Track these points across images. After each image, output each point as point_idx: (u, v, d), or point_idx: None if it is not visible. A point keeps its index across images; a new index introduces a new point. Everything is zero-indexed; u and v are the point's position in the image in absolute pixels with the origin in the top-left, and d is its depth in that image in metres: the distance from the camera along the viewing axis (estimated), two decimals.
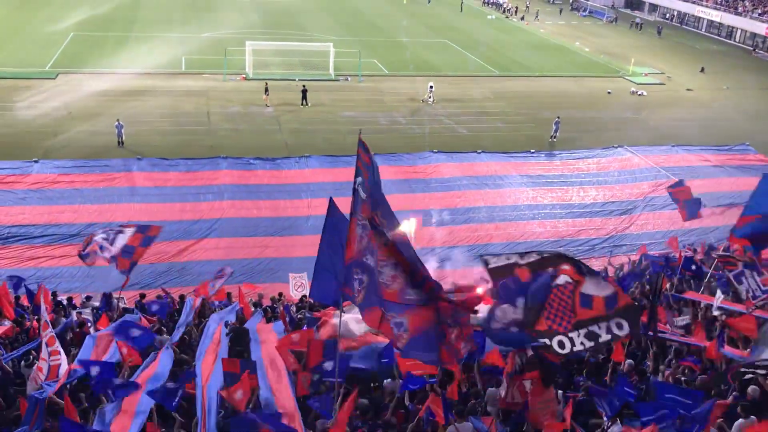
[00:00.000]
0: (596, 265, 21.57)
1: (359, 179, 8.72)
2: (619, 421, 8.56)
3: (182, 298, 15.35)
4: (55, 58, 42.37)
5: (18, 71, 38.81)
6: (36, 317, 13.25)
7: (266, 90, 36.41)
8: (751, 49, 62.28)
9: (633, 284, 16.37)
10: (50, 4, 58.52)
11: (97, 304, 16.17)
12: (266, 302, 16.27)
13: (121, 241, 15.10)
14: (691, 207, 19.65)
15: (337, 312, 12.42)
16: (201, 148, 30.15)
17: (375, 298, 8.57)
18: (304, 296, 17.15)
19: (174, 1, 64.24)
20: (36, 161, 26.98)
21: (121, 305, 15.95)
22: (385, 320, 8.51)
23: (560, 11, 74.27)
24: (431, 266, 18.86)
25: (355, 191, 8.68)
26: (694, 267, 16.38)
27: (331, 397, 9.32)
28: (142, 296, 16.49)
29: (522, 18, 69.59)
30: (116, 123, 30.15)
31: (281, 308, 14.74)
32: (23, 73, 38.70)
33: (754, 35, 63.78)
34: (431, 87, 39.05)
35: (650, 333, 11.04)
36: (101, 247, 14.89)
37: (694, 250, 20.33)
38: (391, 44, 52.72)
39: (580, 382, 10.24)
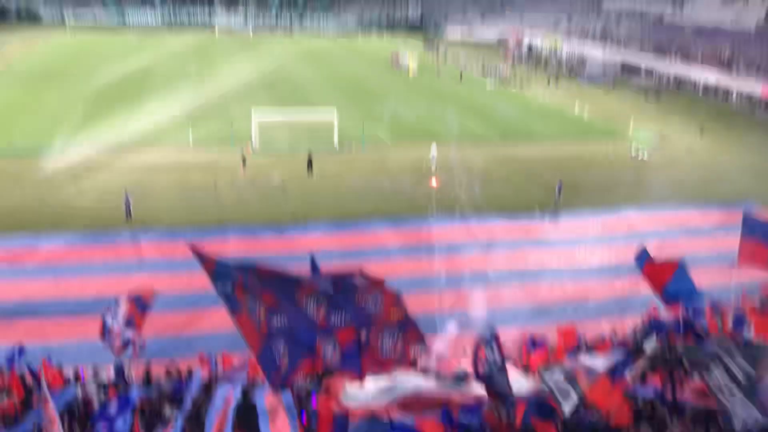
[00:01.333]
0: (606, 327, 21.35)
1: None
2: None
3: (190, 369, 15.21)
4: (65, 133, 43.24)
5: (29, 146, 39.59)
6: (39, 393, 13.14)
7: (244, 161, 37.28)
8: (750, 109, 63.21)
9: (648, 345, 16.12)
10: (60, 81, 60.11)
11: (104, 378, 16.00)
12: None
13: (122, 314, 15.31)
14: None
15: (345, 382, 12.36)
16: (209, 219, 30.44)
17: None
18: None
19: (181, 76, 65.96)
20: (45, 235, 27.22)
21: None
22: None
23: (557, 78, 75.74)
24: (450, 329, 18.79)
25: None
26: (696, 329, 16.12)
27: None
28: (148, 368, 16.34)
29: (521, 85, 70.96)
30: (124, 197, 30.55)
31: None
32: (33, 150, 39.44)
33: (750, 96, 64.78)
34: (433, 154, 39.59)
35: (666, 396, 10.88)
36: (111, 328, 15.14)
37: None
38: (394, 114, 53.66)
39: None
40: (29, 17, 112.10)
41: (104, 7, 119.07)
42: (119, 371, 15.89)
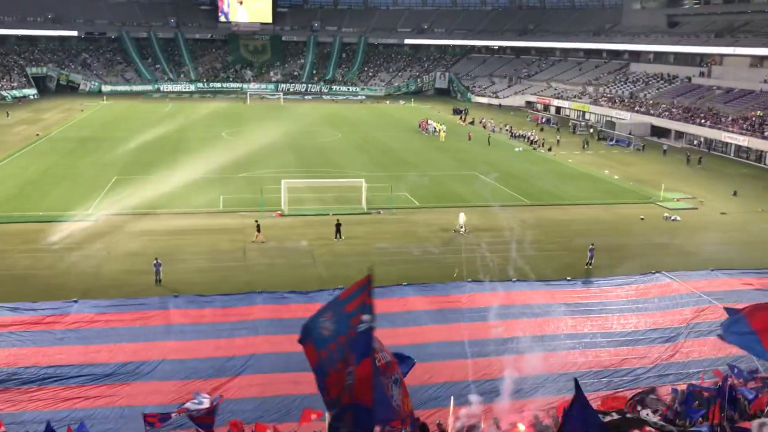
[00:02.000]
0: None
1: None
2: None
3: None
4: (98, 201, 44.13)
5: (62, 214, 40.37)
6: None
7: (258, 228, 37.02)
8: None
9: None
10: (95, 151, 61.70)
11: None
12: None
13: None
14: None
15: None
16: (237, 284, 30.46)
17: None
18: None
19: (212, 144, 67.34)
20: (75, 301, 27.42)
21: None
22: None
23: (587, 142, 75.79)
24: (474, 399, 18.29)
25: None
26: (736, 395, 15.50)
27: None
28: None
29: (549, 149, 71.12)
30: (155, 262, 30.81)
31: None
32: (67, 216, 40.21)
33: None
34: (462, 219, 39.50)
35: None
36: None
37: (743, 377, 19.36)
38: (421, 178, 53.94)
39: None
40: (69, 87, 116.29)
41: (140, 77, 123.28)
42: None
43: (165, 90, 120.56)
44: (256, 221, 37.60)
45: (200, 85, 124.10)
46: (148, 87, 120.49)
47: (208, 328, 25.92)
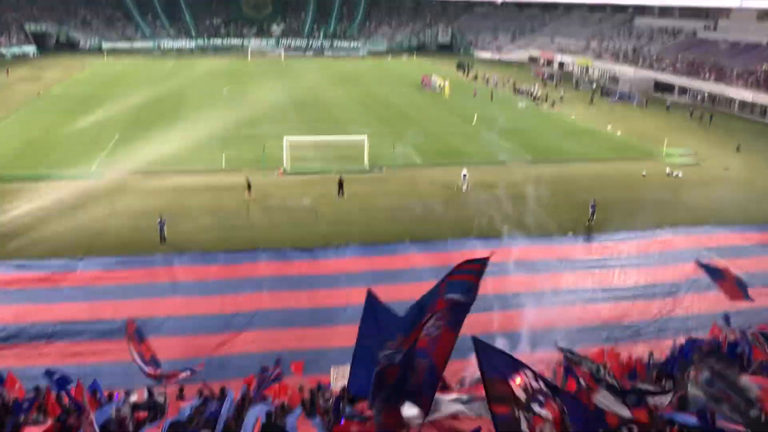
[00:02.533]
0: (642, 349, 20.96)
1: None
2: None
3: (223, 391, 15.26)
4: (101, 159, 44.15)
5: (65, 173, 40.45)
6: (77, 415, 13.26)
7: (249, 186, 36.84)
8: None
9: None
10: (97, 109, 61.41)
11: (135, 398, 16.13)
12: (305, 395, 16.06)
13: (135, 355, 15.98)
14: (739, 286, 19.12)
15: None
16: (241, 241, 30.68)
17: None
18: (344, 387, 16.88)
19: (213, 102, 66.97)
20: (81, 259, 27.72)
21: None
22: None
23: (591, 99, 75.15)
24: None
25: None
26: (738, 350, 15.74)
27: None
28: (182, 390, 16.45)
29: (552, 105, 70.64)
30: (159, 220, 30.99)
31: (320, 401, 14.58)
32: (71, 174, 40.30)
33: None
34: (465, 175, 39.52)
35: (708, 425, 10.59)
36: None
37: (742, 333, 19.61)
38: (424, 134, 53.74)
39: None
40: (69, 44, 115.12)
41: (140, 34, 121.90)
42: (152, 393, 16.03)
43: (165, 47, 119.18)
44: (247, 179, 37.49)
45: (201, 41, 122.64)
46: (149, 44, 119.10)
47: (213, 284, 26.23)
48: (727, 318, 19.54)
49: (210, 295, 25.29)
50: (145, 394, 16.06)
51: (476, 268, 8.68)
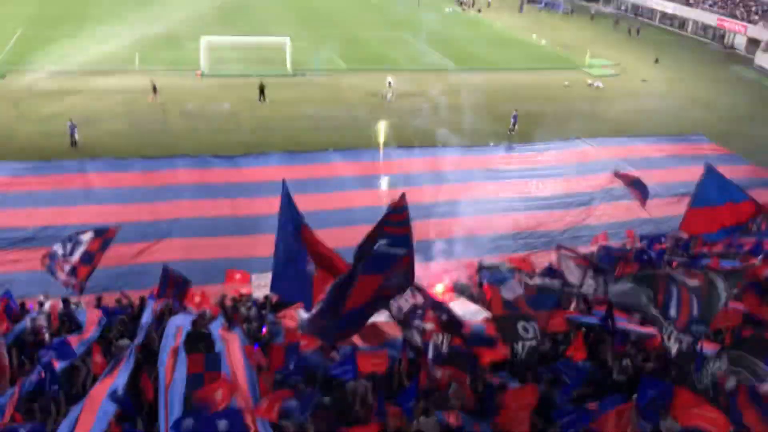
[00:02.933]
0: (555, 256, 21.76)
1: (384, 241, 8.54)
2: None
3: (142, 300, 15.07)
4: (2, 57, 41.25)
5: None
6: None
7: (154, 89, 35.48)
8: (706, 41, 63.80)
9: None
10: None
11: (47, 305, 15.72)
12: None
13: (80, 249, 14.92)
14: (641, 188, 19.94)
15: (299, 311, 12.39)
16: (157, 147, 29.67)
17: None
18: (267, 296, 16.95)
19: None
20: None
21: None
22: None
23: (521, 7, 74.45)
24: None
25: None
26: (645, 257, 16.55)
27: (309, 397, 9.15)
28: (99, 299, 16.15)
29: (479, 10, 69.93)
30: (69, 123, 29.47)
31: (244, 309, 14.65)
32: None
33: (705, 26, 65.18)
34: (390, 82, 39.06)
35: (608, 324, 11.22)
36: (58, 258, 14.75)
37: (650, 241, 20.66)
38: (349, 39, 52.50)
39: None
40: None
41: None
42: (67, 302, 15.67)
43: None
44: (152, 81, 35.81)
45: None
46: None
47: (130, 192, 25.44)
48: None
49: (126, 202, 24.54)
50: (60, 305, 15.69)
51: (403, 217, 8.74)
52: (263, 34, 49.07)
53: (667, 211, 24.84)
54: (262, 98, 36.51)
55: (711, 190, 14.47)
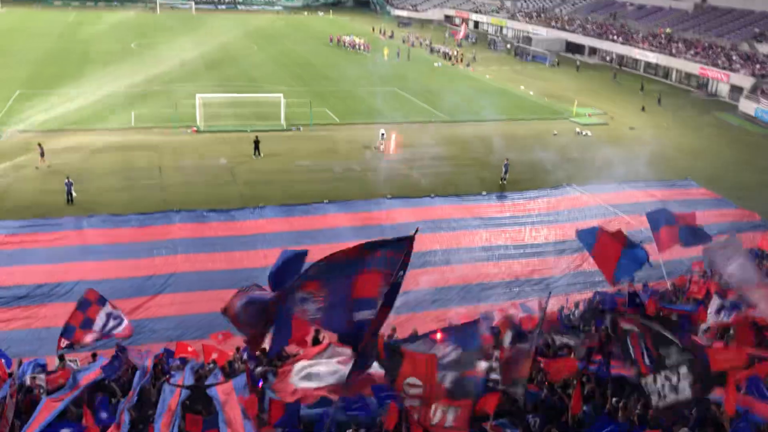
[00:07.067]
0: (553, 303, 21.83)
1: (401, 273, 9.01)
2: None
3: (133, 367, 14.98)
4: (0, 116, 41.76)
5: None
6: None
7: (41, 152, 33.45)
8: (690, 89, 65.11)
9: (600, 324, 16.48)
10: None
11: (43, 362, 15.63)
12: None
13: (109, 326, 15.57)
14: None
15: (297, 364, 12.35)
16: (153, 202, 29.86)
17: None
18: (264, 349, 16.88)
19: (121, 57, 64.23)
20: None
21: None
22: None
23: (514, 55, 76.06)
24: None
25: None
26: (638, 301, 16.57)
27: None
28: (94, 356, 16.07)
29: (468, 65, 71.33)
30: (66, 181, 29.71)
31: (239, 363, 14.59)
32: None
33: (689, 75, 66.64)
34: (382, 134, 39.63)
35: (605, 370, 11.24)
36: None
37: (644, 285, 20.78)
38: (341, 93, 53.40)
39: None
40: None
41: None
42: (63, 359, 15.63)
43: None
44: (39, 144, 34.27)
45: None
46: None
47: (126, 247, 25.50)
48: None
49: (123, 258, 24.58)
50: (56, 362, 15.63)
51: (408, 246, 9.01)
52: (257, 90, 49.92)
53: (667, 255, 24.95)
54: (257, 152, 36.93)
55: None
